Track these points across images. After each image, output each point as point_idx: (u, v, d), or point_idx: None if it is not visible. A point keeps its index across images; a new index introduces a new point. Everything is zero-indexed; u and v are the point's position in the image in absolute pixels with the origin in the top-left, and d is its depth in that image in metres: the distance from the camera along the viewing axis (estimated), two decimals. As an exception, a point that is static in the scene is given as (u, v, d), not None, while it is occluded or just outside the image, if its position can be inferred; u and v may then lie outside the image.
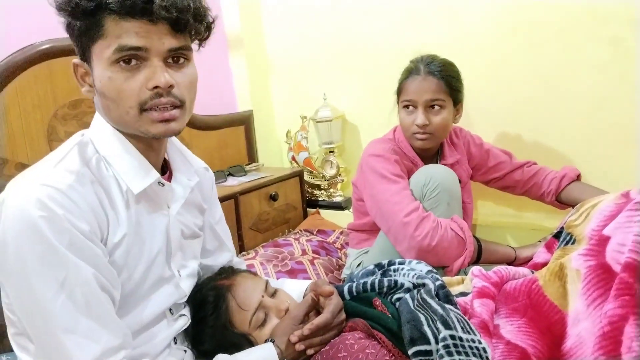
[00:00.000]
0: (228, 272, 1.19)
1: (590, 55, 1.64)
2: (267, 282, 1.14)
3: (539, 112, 1.76)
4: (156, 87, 0.85)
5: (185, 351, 1.09)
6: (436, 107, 1.49)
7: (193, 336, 1.11)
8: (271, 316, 1.08)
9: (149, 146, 0.96)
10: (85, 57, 0.88)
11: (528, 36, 1.73)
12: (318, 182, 2.29)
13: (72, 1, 0.83)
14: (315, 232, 2.03)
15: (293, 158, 2.31)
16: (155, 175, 0.95)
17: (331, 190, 2.27)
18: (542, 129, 1.78)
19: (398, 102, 1.58)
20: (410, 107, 1.52)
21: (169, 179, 1.04)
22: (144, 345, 0.98)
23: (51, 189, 0.82)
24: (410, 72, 1.53)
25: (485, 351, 0.95)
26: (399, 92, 1.57)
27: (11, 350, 1.17)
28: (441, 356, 0.92)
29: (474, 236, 1.46)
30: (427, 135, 1.51)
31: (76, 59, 0.90)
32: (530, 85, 1.76)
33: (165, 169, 1.05)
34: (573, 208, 1.29)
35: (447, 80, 1.49)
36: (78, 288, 0.82)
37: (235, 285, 1.11)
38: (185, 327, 1.09)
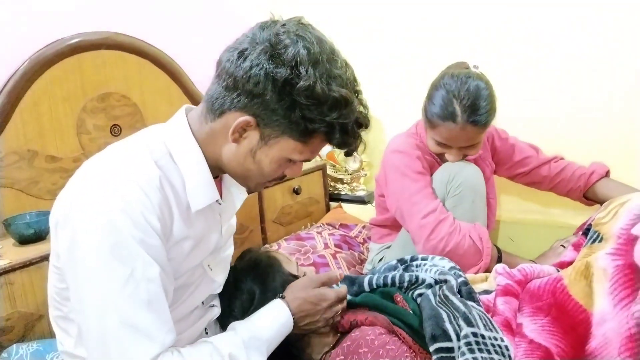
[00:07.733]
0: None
1: (627, 51, 1.60)
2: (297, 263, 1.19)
3: (570, 107, 1.72)
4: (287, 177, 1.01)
5: None
6: (472, 146, 1.43)
7: (242, 304, 1.12)
8: None
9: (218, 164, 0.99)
10: (264, 127, 0.88)
11: (562, 32, 1.69)
12: (341, 176, 2.28)
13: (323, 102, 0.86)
14: (337, 226, 2.03)
15: (316, 152, 2.32)
16: (215, 196, 0.98)
17: (354, 184, 2.26)
18: (573, 125, 1.73)
19: (425, 123, 1.46)
20: (442, 146, 1.44)
21: (220, 183, 1.06)
22: (177, 336, 1.00)
23: (133, 184, 0.84)
24: (445, 117, 1.36)
25: (507, 349, 0.95)
26: (429, 122, 1.43)
27: (42, 337, 1.22)
28: (463, 353, 0.92)
29: (496, 246, 1.44)
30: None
31: (251, 119, 0.87)
32: (562, 80, 1.72)
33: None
34: (601, 205, 1.27)
35: (487, 123, 1.38)
36: (143, 284, 0.83)
37: (275, 254, 1.17)
38: (215, 317, 1.11)
